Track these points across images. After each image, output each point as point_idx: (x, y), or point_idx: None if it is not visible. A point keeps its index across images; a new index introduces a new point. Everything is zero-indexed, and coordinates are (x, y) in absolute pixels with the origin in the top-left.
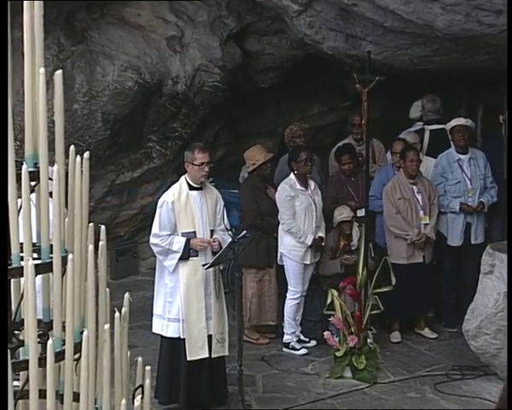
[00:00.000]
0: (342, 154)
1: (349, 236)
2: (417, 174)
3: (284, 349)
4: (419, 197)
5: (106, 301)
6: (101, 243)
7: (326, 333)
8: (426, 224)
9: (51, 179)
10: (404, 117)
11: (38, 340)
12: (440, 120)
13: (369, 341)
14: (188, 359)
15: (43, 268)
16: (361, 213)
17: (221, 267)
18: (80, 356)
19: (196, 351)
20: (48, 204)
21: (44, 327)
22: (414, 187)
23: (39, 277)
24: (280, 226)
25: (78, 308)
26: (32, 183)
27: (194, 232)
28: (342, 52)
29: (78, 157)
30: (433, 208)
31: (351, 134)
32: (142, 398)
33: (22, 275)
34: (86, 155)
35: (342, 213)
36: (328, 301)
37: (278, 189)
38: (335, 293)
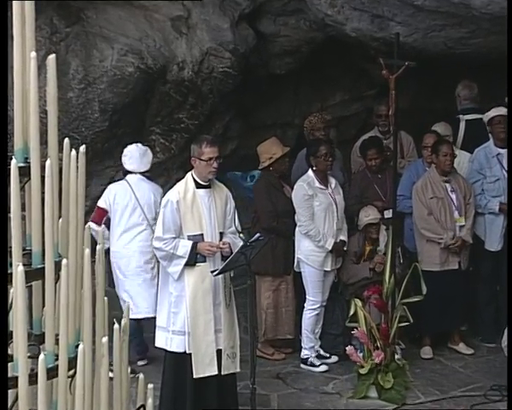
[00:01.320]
0: (368, 148)
1: (375, 240)
2: (451, 171)
3: (302, 366)
4: (453, 196)
5: (104, 312)
6: (98, 247)
7: (349, 348)
8: (461, 226)
9: (43, 176)
10: (437, 107)
11: (29, 354)
12: (477, 110)
13: (396, 357)
14: (194, 376)
15: (34, 275)
16: (388, 214)
17: (232, 274)
18: (75, 373)
19: (204, 367)
20: (40, 203)
21: (35, 340)
22: (447, 185)
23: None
24: (297, 229)
25: (72, 319)
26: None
27: (202, 235)
28: (367, 34)
29: (74, 151)
30: (468, 209)
31: (376, 126)
32: None
33: (11, 282)
34: (82, 148)
35: (369, 215)
36: (351, 312)
37: (295, 187)
38: (359, 303)
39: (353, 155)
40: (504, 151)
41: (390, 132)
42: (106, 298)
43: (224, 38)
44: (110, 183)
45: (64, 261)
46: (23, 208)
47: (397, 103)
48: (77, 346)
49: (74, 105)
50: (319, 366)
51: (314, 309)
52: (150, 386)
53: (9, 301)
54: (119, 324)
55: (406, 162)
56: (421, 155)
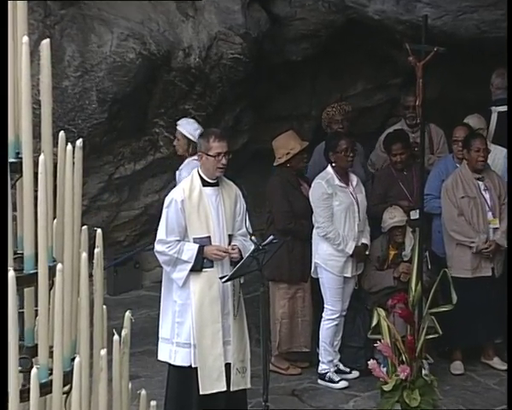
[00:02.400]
0: (393, 142)
1: (401, 244)
2: (484, 167)
3: (320, 381)
4: (487, 196)
5: (102, 322)
6: (96, 251)
7: (371, 362)
8: (495, 228)
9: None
10: (469, 97)
11: (20, 368)
12: None
13: (424, 372)
14: (201, 392)
15: (26, 281)
16: (415, 215)
17: (242, 281)
18: (71, 389)
19: (211, 383)
20: (32, 202)
21: (27, 353)
22: (480, 183)
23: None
24: (314, 231)
25: (68, 330)
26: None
27: (209, 238)
28: (392, 17)
29: (69, 145)
30: (503, 209)
31: (403, 118)
32: None
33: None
34: (79, 142)
35: (394, 217)
36: (374, 322)
37: (312, 185)
38: (382, 313)
39: (376, 150)
40: None
41: (417, 125)
42: (105, 307)
43: (234, 21)
44: (109, 180)
45: (59, 266)
46: (14, 208)
47: (425, 93)
48: (73, 359)
49: (70, 95)
50: (338, 381)
51: (333, 319)
52: (153, 403)
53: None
54: (119, 335)
55: (435, 158)
56: (452, 150)
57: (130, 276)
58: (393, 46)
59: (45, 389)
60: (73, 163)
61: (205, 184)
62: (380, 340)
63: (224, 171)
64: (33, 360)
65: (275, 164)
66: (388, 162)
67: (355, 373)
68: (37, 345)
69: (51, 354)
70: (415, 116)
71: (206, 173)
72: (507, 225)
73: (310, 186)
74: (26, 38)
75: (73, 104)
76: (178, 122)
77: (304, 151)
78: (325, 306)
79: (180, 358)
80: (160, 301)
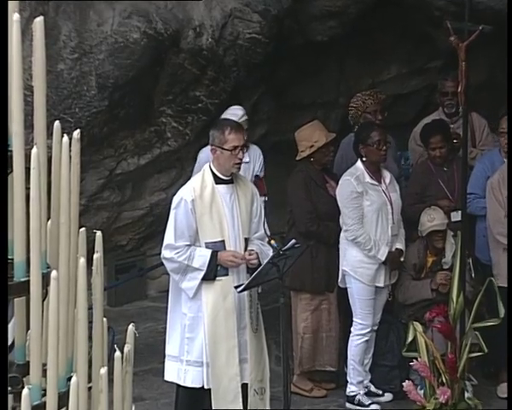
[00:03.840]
0: (431, 134)
1: (440, 250)
2: None
3: (348, 405)
4: None
5: (102, 336)
6: (95, 256)
7: (406, 383)
8: None
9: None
10: None
11: (10, 389)
12: None
13: (467, 395)
14: None
15: (16, 290)
16: (456, 216)
17: (259, 290)
18: None
19: (226, 406)
20: (24, 201)
21: (18, 371)
22: None
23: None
24: (342, 234)
25: (64, 346)
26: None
27: (223, 242)
28: None
29: (66, 137)
30: None
31: (441, 106)
32: None
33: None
34: (76, 134)
35: (433, 219)
36: (410, 338)
37: (340, 183)
38: (420, 328)
39: (412, 143)
40: None
41: (459, 114)
42: (105, 319)
43: None
44: (110, 176)
45: (53, 273)
46: None
47: (468, 78)
48: (69, 379)
49: (66, 80)
50: (369, 405)
51: (363, 335)
52: None
53: None
54: (121, 351)
55: (479, 152)
56: (499, 142)
57: (134, 284)
58: (432, 25)
59: None
60: (70, 157)
61: (218, 181)
62: (416, 358)
63: (241, 166)
64: (24, 379)
65: (297, 158)
66: (425, 157)
67: (388, 396)
68: (28, 362)
69: (44, 372)
70: (454, 104)
71: (220, 169)
72: (507, 225)
73: (337, 184)
74: (16, 16)
75: (70, 90)
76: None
77: (330, 144)
78: (354, 319)
79: (190, 378)
80: (167, 314)
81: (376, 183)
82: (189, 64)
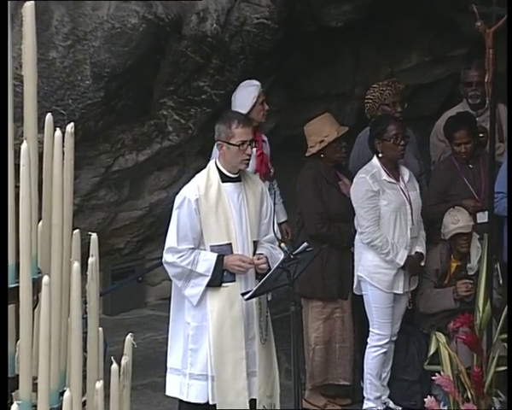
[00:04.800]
0: (455, 128)
1: (465, 254)
2: None
3: None
4: None
5: (98, 347)
6: (90, 260)
7: (428, 399)
8: None
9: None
10: None
11: None
12: None
13: None
14: None
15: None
16: (483, 217)
17: (269, 298)
18: None
19: None
20: (13, 200)
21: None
22: None
23: None
24: (357, 237)
25: (56, 358)
26: None
27: (230, 245)
28: None
29: (58, 131)
30: None
31: (466, 98)
32: None
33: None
34: (69, 127)
35: (458, 221)
36: (432, 350)
37: (355, 181)
38: (443, 339)
39: (434, 138)
40: None
41: (485, 106)
42: (101, 329)
43: None
44: (106, 173)
45: (45, 279)
46: None
47: (495, 67)
48: (61, 393)
49: (58, 69)
50: None
51: (380, 346)
52: None
53: None
54: (119, 363)
55: (506, 147)
56: None
57: (132, 291)
58: (457, 9)
59: None
60: (63, 153)
61: (224, 179)
62: (439, 372)
63: (249, 163)
64: (13, 394)
65: (306, 155)
66: (449, 153)
67: None
68: (18, 376)
69: (35, 386)
70: (479, 94)
71: (227, 166)
72: (507, 225)
73: (350, 181)
74: None
75: (62, 80)
76: None
77: (342, 139)
78: (371, 329)
79: (194, 393)
80: (168, 323)
81: (394, 181)
82: (191, 52)
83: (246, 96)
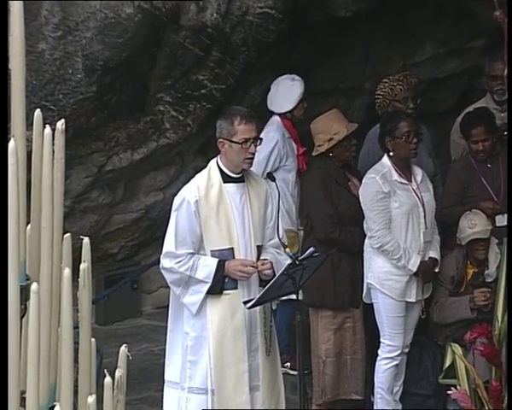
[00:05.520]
0: (472, 125)
1: (483, 260)
2: None
3: None
4: None
5: (90, 359)
6: (82, 266)
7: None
8: None
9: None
10: None
11: None
12: None
13: None
14: None
15: None
16: (502, 221)
17: (274, 306)
18: None
19: None
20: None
21: None
22: None
23: None
24: (367, 241)
25: (45, 370)
26: None
27: (232, 250)
28: None
29: (48, 128)
30: None
31: (491, 93)
32: None
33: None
34: (60, 124)
35: (475, 225)
36: (447, 363)
37: (364, 181)
38: (459, 350)
39: (454, 136)
40: None
41: (506, 102)
42: (93, 340)
43: None
44: (99, 173)
45: (34, 286)
46: None
47: None
48: (51, 408)
49: (48, 61)
50: None
51: (392, 358)
52: None
53: None
54: (112, 376)
55: None
56: None
57: (127, 299)
58: None
59: None
60: (53, 151)
61: (226, 179)
62: (455, 386)
63: (253, 162)
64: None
65: (313, 154)
66: (467, 151)
67: None
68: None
69: (23, 401)
70: (503, 90)
71: (229, 166)
72: (507, 225)
73: (360, 182)
74: None
75: (52, 74)
76: None
77: (352, 136)
78: (381, 340)
79: (193, 408)
80: (165, 334)
81: (406, 181)
82: (190, 43)
83: (291, 91)
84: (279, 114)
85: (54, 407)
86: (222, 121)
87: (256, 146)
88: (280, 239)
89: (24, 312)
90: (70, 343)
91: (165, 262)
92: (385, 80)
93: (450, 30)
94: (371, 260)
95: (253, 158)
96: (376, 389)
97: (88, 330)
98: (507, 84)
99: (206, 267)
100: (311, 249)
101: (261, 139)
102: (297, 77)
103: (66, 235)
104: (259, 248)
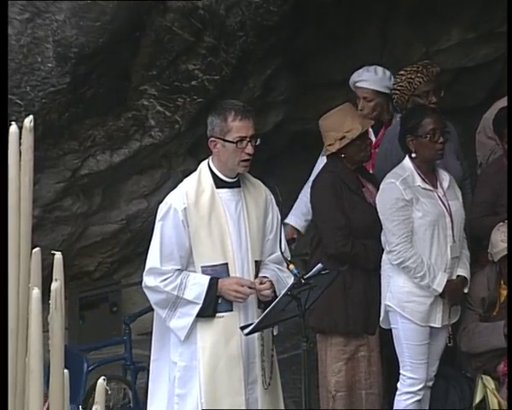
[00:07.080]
0: (506, 122)
1: None
2: None
3: None
4: None
5: (63, 393)
6: (54, 286)
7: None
8: None
9: None
10: None
11: None
12: None
13: None
14: None
15: None
16: None
17: (275, 332)
18: None
19: None
20: None
21: None
22: None
23: None
24: (384, 257)
25: (11, 404)
26: None
27: (226, 266)
28: None
29: (14, 126)
30: None
31: None
32: None
33: None
34: (28, 121)
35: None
36: (478, 397)
37: (382, 187)
38: (491, 384)
39: (480, 135)
40: None
41: None
42: (66, 371)
43: None
44: (73, 178)
45: None
46: None
47: None
48: None
49: (14, 48)
50: None
51: (413, 393)
52: None
53: None
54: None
55: None
56: None
57: (105, 323)
58: None
59: None
60: (19, 153)
61: (219, 184)
62: None
63: (250, 164)
64: None
65: (323, 154)
66: (500, 153)
67: None
68: None
69: None
70: None
71: (222, 169)
72: (507, 226)
73: (376, 188)
74: None
75: (19, 62)
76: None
77: (365, 134)
78: (401, 372)
79: None
80: (149, 363)
81: (431, 187)
82: (179, 27)
83: None
84: None
85: None
86: (214, 117)
87: (254, 145)
88: (282, 253)
89: None
90: (39, 375)
91: (148, 280)
92: (401, 72)
93: (478, 14)
94: (390, 278)
95: (249, 159)
96: None
97: (60, 359)
98: (507, 83)
99: (197, 286)
100: (319, 266)
101: (258, 136)
102: None
103: (35, 249)
104: (258, 264)
